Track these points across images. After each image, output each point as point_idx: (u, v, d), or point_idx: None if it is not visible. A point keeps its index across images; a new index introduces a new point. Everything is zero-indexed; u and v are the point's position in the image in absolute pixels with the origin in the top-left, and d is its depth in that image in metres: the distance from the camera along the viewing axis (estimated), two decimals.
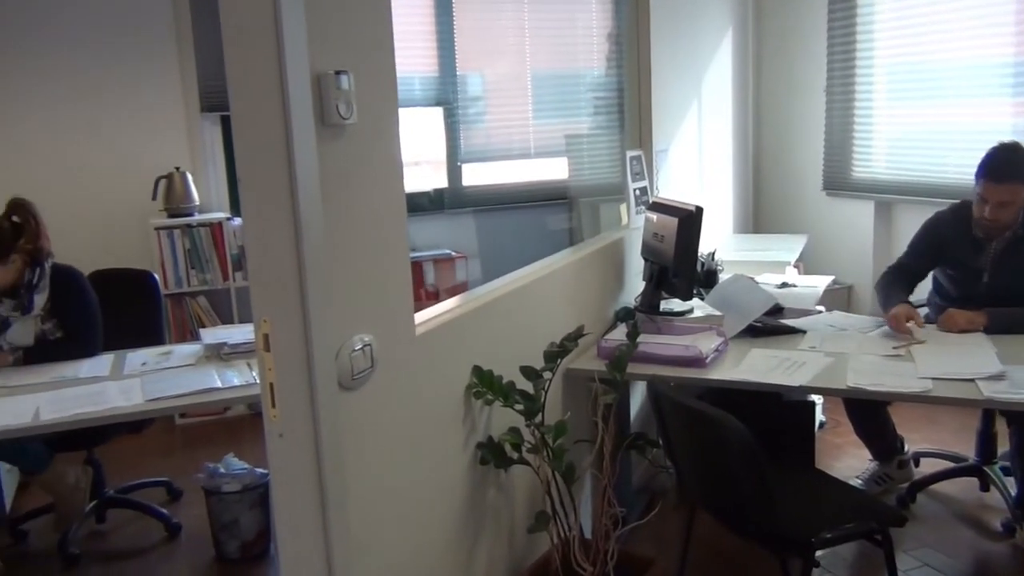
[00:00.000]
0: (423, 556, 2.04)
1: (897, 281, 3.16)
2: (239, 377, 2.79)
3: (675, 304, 3.16)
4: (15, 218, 3.10)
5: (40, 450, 3.09)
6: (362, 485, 1.78)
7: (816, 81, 4.98)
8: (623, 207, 3.45)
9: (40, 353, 3.06)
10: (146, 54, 4.59)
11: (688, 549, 2.64)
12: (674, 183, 3.77)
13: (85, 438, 3.16)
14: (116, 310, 3.36)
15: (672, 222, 2.95)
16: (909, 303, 3.02)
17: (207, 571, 3.15)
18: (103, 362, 3.05)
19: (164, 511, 3.47)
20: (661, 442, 2.56)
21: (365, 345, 1.74)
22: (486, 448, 2.24)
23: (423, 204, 4.99)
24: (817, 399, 3.63)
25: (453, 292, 4.19)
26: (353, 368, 1.71)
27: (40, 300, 3.08)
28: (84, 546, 3.32)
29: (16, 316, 3.06)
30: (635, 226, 3.34)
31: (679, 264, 2.96)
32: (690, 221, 2.95)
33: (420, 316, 2.05)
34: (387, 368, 1.82)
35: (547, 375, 2.30)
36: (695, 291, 3.19)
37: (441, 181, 5.05)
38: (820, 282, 3.86)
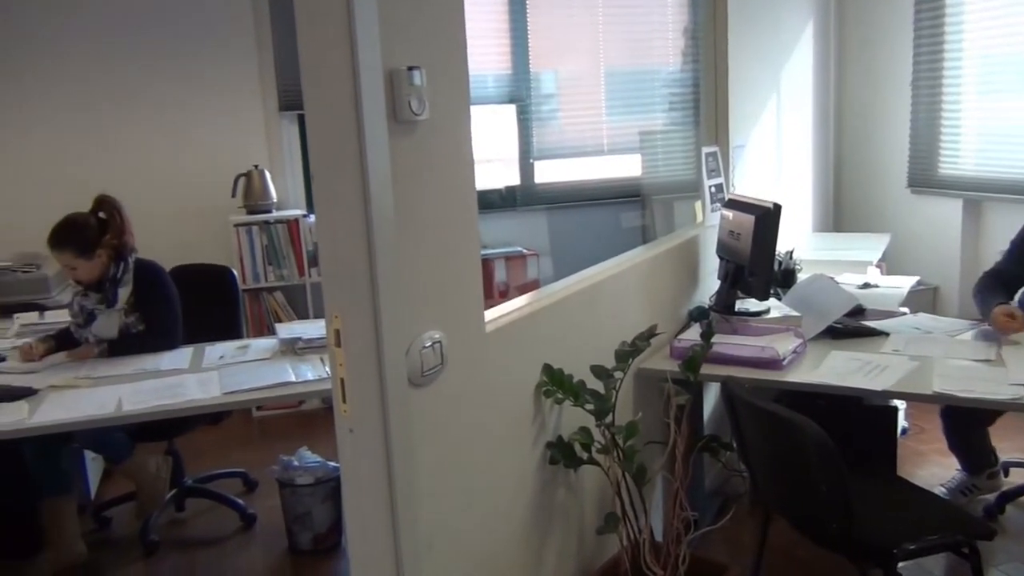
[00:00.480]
0: (491, 554, 2.03)
1: (993, 287, 3.00)
2: (313, 372, 2.83)
3: (751, 304, 3.09)
4: (101, 214, 3.20)
5: (123, 440, 3.19)
6: (431, 482, 1.77)
7: (901, 73, 4.81)
8: (698, 204, 3.39)
9: (123, 345, 3.15)
10: (227, 55, 4.71)
11: (763, 556, 2.57)
12: (751, 180, 3.68)
13: (165, 429, 3.25)
14: (196, 305, 3.45)
15: (749, 220, 2.88)
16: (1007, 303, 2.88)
17: (280, 562, 3.21)
18: (183, 355, 3.13)
19: (240, 502, 3.55)
20: (735, 445, 2.50)
21: (435, 342, 1.73)
22: (556, 447, 2.22)
23: (495, 201, 4.99)
24: (900, 404, 3.50)
25: (524, 290, 4.18)
26: (423, 365, 1.70)
27: (124, 294, 3.17)
28: (164, 533, 3.42)
29: (101, 309, 3.16)
30: (710, 224, 3.27)
31: (756, 263, 2.89)
32: (767, 219, 2.87)
33: (490, 314, 2.04)
34: (457, 365, 1.82)
35: (618, 375, 2.27)
36: (772, 291, 3.11)
37: (513, 178, 5.05)
38: (904, 283, 3.73)
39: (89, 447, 3.41)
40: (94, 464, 3.78)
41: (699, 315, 3.09)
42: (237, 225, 4.60)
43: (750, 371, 2.63)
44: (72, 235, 3.11)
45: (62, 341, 3.21)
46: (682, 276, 3.15)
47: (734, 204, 3.07)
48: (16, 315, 3.71)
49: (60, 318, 3.47)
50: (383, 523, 1.66)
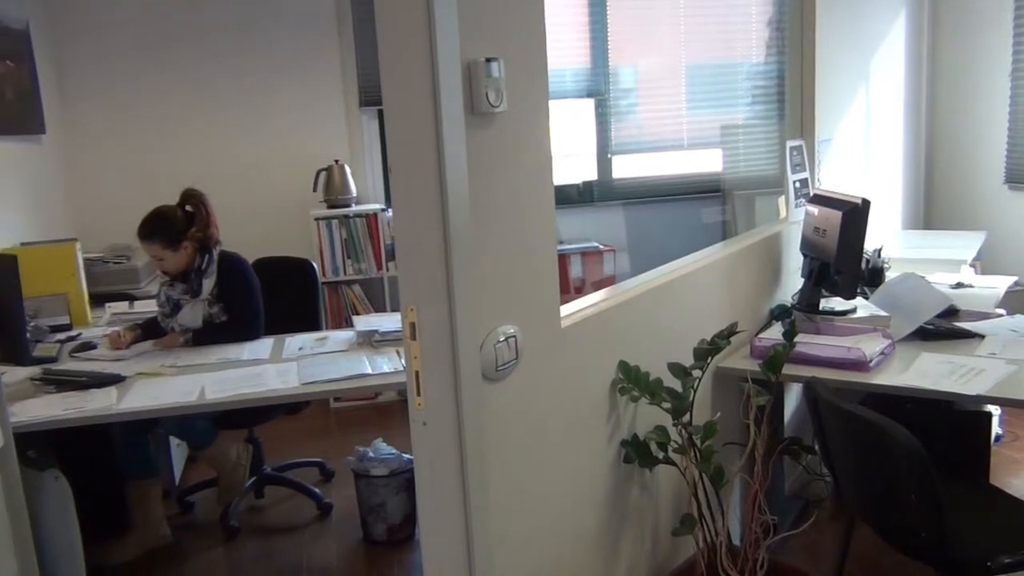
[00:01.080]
0: (563, 551, 2.01)
1: None
2: (389, 364, 2.85)
3: (836, 303, 2.99)
4: (188, 207, 3.29)
5: (206, 427, 3.27)
6: (504, 476, 1.76)
7: (1000, 62, 4.59)
8: (781, 200, 3.30)
9: (207, 335, 3.23)
10: (310, 53, 4.80)
11: (845, 564, 2.48)
12: (837, 175, 3.56)
13: (246, 417, 3.32)
14: (277, 296, 3.52)
15: (835, 216, 2.79)
16: None
17: (354, 551, 3.25)
18: (264, 346, 3.19)
19: (317, 491, 3.61)
20: (817, 448, 2.42)
21: (509, 336, 1.72)
22: (631, 446, 2.19)
23: (572, 196, 4.96)
24: (994, 410, 3.35)
25: (600, 286, 4.15)
26: (497, 359, 1.69)
27: (208, 285, 3.25)
28: (243, 519, 3.50)
29: (186, 299, 3.24)
30: (794, 220, 3.18)
31: (842, 260, 2.79)
32: (855, 215, 2.77)
33: (566, 309, 2.02)
34: (531, 360, 1.80)
35: (696, 373, 2.22)
36: (859, 290, 3.00)
37: (590, 173, 5.01)
38: (1001, 283, 3.55)
39: (174, 433, 3.52)
40: (179, 450, 3.90)
41: (781, 314, 3.01)
42: (318, 219, 4.67)
43: (835, 372, 2.54)
44: (160, 227, 3.20)
45: (149, 330, 3.31)
46: (764, 273, 3.06)
47: (820, 199, 2.98)
48: (108, 304, 3.84)
49: (149, 308, 3.58)
50: (455, 516, 1.66)
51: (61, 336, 3.38)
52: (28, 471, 2.29)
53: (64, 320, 3.55)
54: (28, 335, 3.17)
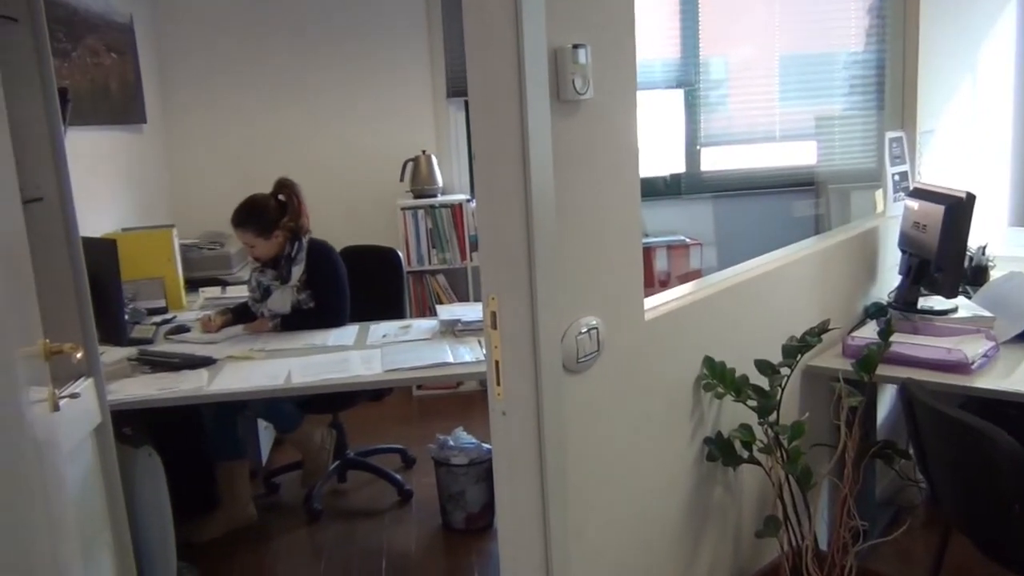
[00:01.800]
0: (641, 548, 1.98)
1: None
2: (471, 354, 2.85)
3: (936, 302, 2.85)
4: (280, 196, 3.36)
5: (292, 410, 3.35)
6: (582, 469, 1.74)
7: None
8: (878, 193, 3.17)
9: (295, 321, 3.30)
10: (399, 45, 4.85)
11: (939, 574, 2.37)
12: (940, 168, 3.40)
13: (331, 402, 3.39)
14: (363, 284, 3.57)
15: (937, 210, 2.66)
16: None
17: (433, 538, 3.27)
18: (349, 332, 3.24)
19: (398, 477, 3.65)
20: (912, 453, 2.31)
21: (591, 328, 1.69)
22: (714, 444, 2.13)
23: (659, 188, 4.89)
24: None
25: (686, 279, 4.06)
26: (578, 351, 1.67)
27: (297, 272, 3.31)
28: (326, 502, 3.56)
29: (276, 285, 3.32)
30: (892, 214, 3.05)
31: (943, 257, 2.67)
32: (959, 209, 2.64)
33: (650, 302, 1.98)
34: (613, 353, 1.77)
35: (785, 371, 2.15)
36: (961, 289, 2.86)
37: (678, 166, 4.93)
38: None
39: (261, 416, 3.61)
40: (266, 433, 4.00)
41: (876, 312, 2.90)
42: (404, 209, 4.72)
43: (933, 374, 2.43)
44: (253, 215, 3.28)
45: (239, 314, 3.40)
46: (858, 270, 2.95)
47: (920, 193, 2.85)
48: (201, 289, 3.97)
49: (240, 293, 3.68)
50: (533, 507, 1.64)
51: (157, 319, 3.51)
52: (123, 447, 2.38)
53: (160, 303, 3.68)
54: (126, 317, 3.30)
